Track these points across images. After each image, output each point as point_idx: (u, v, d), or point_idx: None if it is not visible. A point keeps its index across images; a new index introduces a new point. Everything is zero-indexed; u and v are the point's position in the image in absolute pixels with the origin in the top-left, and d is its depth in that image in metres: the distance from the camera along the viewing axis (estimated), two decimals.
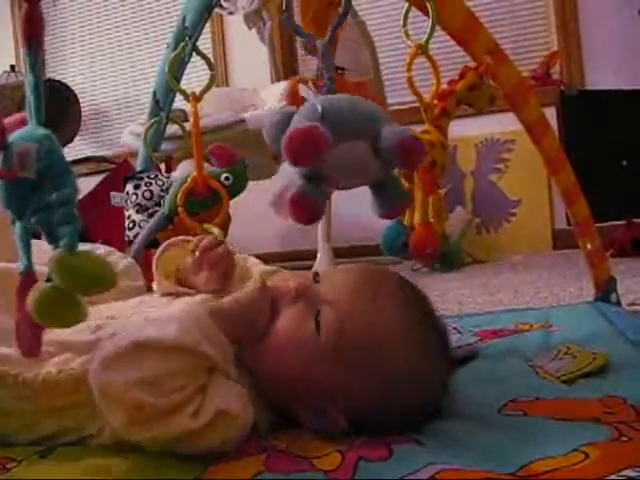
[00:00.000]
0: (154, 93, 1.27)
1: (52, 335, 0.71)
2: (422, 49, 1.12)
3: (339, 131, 0.77)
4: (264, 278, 0.79)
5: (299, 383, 0.71)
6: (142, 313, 0.81)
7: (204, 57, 1.14)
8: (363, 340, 0.70)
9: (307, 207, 0.81)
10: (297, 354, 0.70)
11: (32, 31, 0.61)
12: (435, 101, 1.19)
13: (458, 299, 2.10)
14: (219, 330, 0.67)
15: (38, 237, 0.61)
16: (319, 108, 0.77)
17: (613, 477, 0.56)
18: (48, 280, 0.60)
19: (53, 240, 0.60)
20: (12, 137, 0.60)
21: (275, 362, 0.71)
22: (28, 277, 0.61)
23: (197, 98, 1.16)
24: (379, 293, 0.73)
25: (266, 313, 0.73)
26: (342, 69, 0.95)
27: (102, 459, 0.64)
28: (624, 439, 0.66)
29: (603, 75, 3.53)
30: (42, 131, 0.61)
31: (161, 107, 1.25)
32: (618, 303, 1.49)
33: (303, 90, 2.59)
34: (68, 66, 4.79)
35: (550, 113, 2.85)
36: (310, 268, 2.46)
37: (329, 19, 0.88)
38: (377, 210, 0.85)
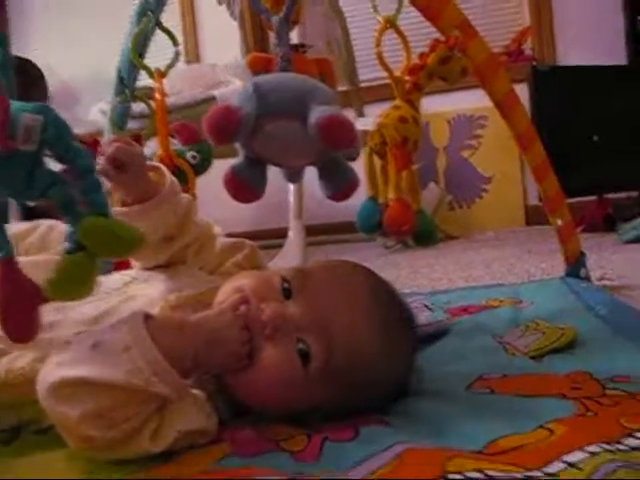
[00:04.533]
0: (118, 70, 1.24)
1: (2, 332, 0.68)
2: (391, 23, 1.11)
3: (270, 110, 0.76)
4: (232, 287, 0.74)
5: (286, 408, 0.70)
6: (94, 301, 0.78)
7: (168, 32, 1.12)
8: (350, 361, 0.68)
9: (238, 185, 0.81)
10: (287, 390, 0.68)
11: None
12: (406, 76, 1.18)
13: (430, 276, 2.10)
14: (173, 366, 0.62)
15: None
16: (250, 88, 0.76)
17: (577, 453, 0.56)
18: (69, 252, 0.59)
19: (70, 212, 0.59)
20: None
21: (264, 399, 0.69)
22: (9, 262, 0.58)
23: (162, 75, 1.14)
24: (355, 305, 0.71)
25: (234, 343, 0.67)
26: (303, 46, 0.94)
27: (64, 448, 0.63)
28: (589, 414, 0.66)
29: (575, 51, 3.54)
30: (37, 103, 0.57)
31: (126, 84, 1.22)
32: (587, 278, 1.50)
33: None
34: (32, 42, 4.69)
35: (523, 89, 2.85)
36: (281, 246, 2.46)
37: None
38: (324, 192, 0.85)
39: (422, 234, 1.13)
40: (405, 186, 1.12)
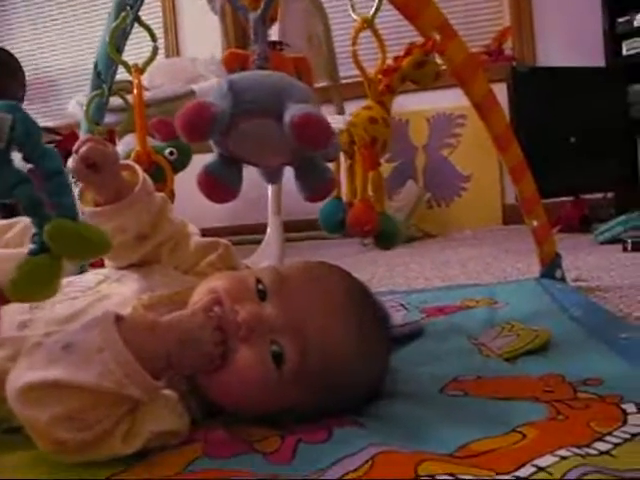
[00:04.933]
0: (95, 64, 1.22)
1: None
2: (368, 23, 1.11)
3: (246, 107, 0.76)
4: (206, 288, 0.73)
5: (260, 409, 0.70)
6: (67, 300, 0.77)
7: (146, 27, 1.10)
8: (324, 362, 0.68)
9: (212, 184, 0.80)
10: (260, 392, 0.68)
11: None
12: (380, 77, 1.17)
13: (406, 274, 2.11)
14: (145, 367, 0.61)
15: None
16: (225, 86, 0.76)
17: (548, 457, 0.56)
18: (32, 253, 0.59)
19: (36, 214, 0.58)
20: None
21: (237, 400, 0.69)
22: None
23: (140, 70, 1.13)
24: (330, 307, 0.71)
25: (208, 343, 0.66)
26: (281, 44, 0.92)
27: (34, 448, 0.62)
28: (560, 418, 0.66)
29: (555, 51, 3.56)
30: (7, 102, 0.57)
31: (103, 79, 1.21)
32: (563, 279, 1.52)
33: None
34: (9, 32, 4.62)
35: (502, 89, 2.86)
36: (260, 242, 2.46)
37: None
38: (300, 192, 0.84)
39: (384, 235, 1.13)
40: (371, 187, 1.12)
